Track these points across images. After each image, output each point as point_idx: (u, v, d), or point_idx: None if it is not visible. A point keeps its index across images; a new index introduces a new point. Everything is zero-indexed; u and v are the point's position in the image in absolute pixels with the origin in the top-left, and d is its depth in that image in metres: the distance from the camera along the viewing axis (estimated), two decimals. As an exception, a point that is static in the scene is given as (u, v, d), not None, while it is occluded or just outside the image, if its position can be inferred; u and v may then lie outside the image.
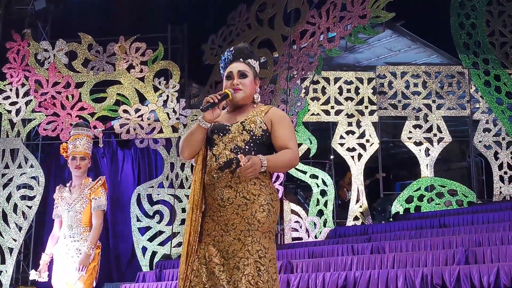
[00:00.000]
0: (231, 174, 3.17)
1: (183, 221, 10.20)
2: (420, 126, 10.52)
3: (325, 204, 10.14)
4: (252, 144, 3.23)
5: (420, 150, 10.48)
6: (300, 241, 9.72)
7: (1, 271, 9.86)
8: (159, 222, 10.31)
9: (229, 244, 3.14)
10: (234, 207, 3.16)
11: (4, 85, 10.50)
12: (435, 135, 10.48)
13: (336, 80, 10.70)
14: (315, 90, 10.61)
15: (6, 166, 10.29)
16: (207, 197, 3.28)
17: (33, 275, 5.36)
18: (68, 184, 5.53)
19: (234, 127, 3.27)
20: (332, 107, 10.60)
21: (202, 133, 3.29)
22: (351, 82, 10.71)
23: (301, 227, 9.93)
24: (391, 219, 10.05)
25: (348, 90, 10.66)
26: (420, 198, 10.23)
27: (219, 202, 3.20)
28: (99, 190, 5.36)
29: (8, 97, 10.47)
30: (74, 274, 5.08)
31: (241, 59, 3.41)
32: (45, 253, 5.43)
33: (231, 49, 3.45)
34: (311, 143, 10.34)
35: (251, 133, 3.24)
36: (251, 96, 3.39)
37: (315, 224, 9.94)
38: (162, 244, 10.24)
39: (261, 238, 3.14)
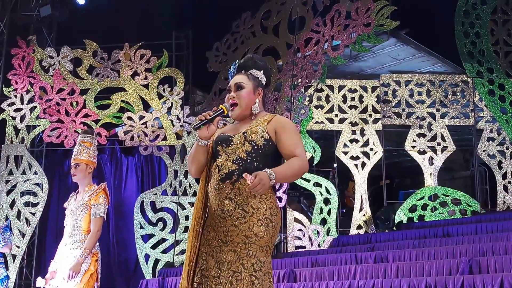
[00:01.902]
0: (232, 185, 3.16)
1: (186, 229, 10.20)
2: (424, 135, 10.50)
3: (329, 213, 10.11)
4: (254, 155, 3.20)
5: (423, 159, 10.47)
6: (303, 250, 9.71)
7: (4, 278, 9.86)
8: (162, 230, 10.31)
9: (226, 255, 3.13)
10: (233, 219, 3.14)
11: (9, 92, 10.54)
12: (439, 144, 10.46)
13: (340, 88, 10.70)
14: (319, 98, 10.61)
15: (10, 173, 10.32)
16: (210, 207, 3.27)
17: (39, 282, 5.33)
18: (76, 192, 5.53)
19: (236, 138, 3.25)
20: (336, 115, 10.59)
21: (202, 150, 3.30)
22: (355, 91, 10.70)
23: (304, 235, 9.91)
24: (394, 228, 10.02)
25: (352, 98, 10.66)
26: (424, 207, 10.20)
27: (219, 214, 3.18)
28: (98, 197, 5.31)
29: (12, 104, 10.51)
30: (70, 281, 5.05)
31: (242, 71, 3.40)
32: (54, 261, 5.39)
33: (236, 62, 3.46)
34: (314, 151, 10.33)
35: (253, 143, 3.21)
36: (248, 107, 3.35)
37: (318, 233, 9.92)
38: (165, 251, 10.23)
39: (258, 252, 3.10)
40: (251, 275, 3.06)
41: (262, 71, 3.43)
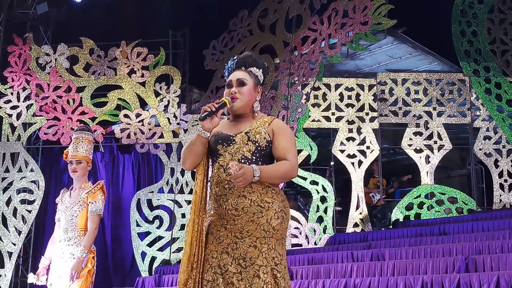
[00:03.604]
0: None
1: (182, 227, 10.20)
2: (420, 133, 10.51)
3: (325, 211, 10.12)
4: (258, 155, 3.24)
5: (420, 157, 10.48)
6: (300, 248, 9.71)
7: (0, 275, 9.85)
8: (158, 227, 10.31)
9: (245, 251, 3.13)
10: (249, 215, 3.16)
11: (5, 89, 10.51)
12: (435, 142, 10.48)
13: (337, 86, 10.70)
14: (316, 97, 10.61)
15: (6, 170, 10.29)
16: (218, 207, 3.24)
17: (31, 278, 5.33)
18: (70, 188, 5.51)
19: (238, 137, 3.26)
20: (333, 114, 10.59)
21: (202, 142, 3.28)
22: (352, 89, 10.71)
23: (300, 233, 9.92)
24: (391, 226, 10.03)
25: (349, 97, 10.66)
26: (420, 205, 10.22)
27: (233, 212, 3.18)
28: (96, 194, 5.30)
29: (9, 101, 10.48)
30: (68, 278, 5.03)
31: (242, 68, 3.41)
32: (44, 257, 5.39)
33: (235, 57, 3.46)
34: (311, 149, 10.33)
35: (256, 144, 3.24)
36: (249, 104, 3.37)
37: (314, 231, 9.93)
38: (161, 249, 10.23)
39: (276, 245, 3.15)
40: (273, 269, 3.11)
41: (261, 70, 3.46)
